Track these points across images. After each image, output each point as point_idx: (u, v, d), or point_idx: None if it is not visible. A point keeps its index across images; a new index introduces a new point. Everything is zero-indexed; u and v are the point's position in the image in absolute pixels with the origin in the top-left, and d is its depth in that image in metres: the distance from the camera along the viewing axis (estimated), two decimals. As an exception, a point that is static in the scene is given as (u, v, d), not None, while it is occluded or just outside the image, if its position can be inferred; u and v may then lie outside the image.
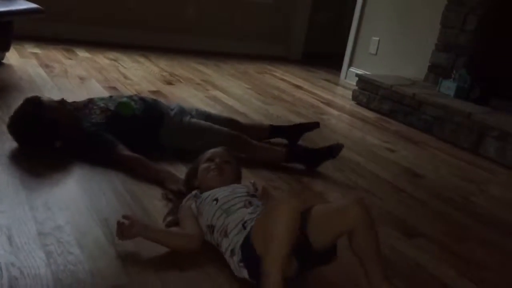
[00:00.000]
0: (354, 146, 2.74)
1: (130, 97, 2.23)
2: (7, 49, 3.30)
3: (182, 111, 2.26)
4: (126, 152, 1.96)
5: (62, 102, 2.07)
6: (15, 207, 1.57)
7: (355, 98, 3.83)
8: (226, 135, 2.18)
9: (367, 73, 4.11)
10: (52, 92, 2.80)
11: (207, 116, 2.36)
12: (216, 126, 2.23)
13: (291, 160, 2.24)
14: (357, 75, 3.90)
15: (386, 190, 2.20)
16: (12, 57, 3.43)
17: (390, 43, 4.21)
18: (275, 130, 2.54)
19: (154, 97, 2.70)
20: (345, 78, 4.63)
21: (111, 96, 2.26)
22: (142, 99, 2.23)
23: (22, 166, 1.87)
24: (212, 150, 1.71)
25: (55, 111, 1.99)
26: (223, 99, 3.31)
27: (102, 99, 2.20)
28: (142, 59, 4.17)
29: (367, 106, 3.69)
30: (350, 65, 4.61)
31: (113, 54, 4.14)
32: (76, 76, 3.27)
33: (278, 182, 2.09)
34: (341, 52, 4.70)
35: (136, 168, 1.92)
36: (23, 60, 3.45)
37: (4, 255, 1.32)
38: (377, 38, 4.32)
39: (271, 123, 2.65)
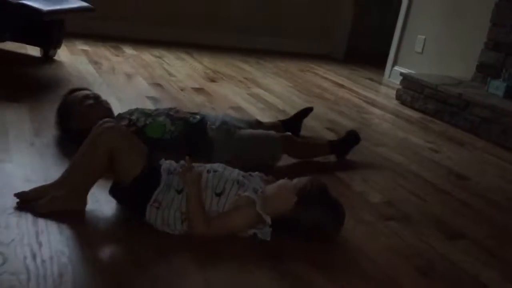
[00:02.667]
0: (397, 146, 2.70)
1: (170, 115, 2.03)
2: (58, 46, 3.44)
3: (229, 128, 2.08)
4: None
5: (97, 101, 2.03)
6: (65, 198, 1.65)
7: (399, 97, 3.77)
8: (278, 140, 2.11)
9: (412, 72, 4.03)
10: (100, 88, 2.90)
11: (252, 125, 2.27)
12: (262, 131, 2.18)
13: (334, 152, 2.29)
14: (401, 74, 3.83)
15: (429, 192, 2.16)
16: (63, 54, 3.57)
17: (437, 42, 4.11)
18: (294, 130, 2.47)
19: (198, 94, 2.75)
20: (389, 77, 4.56)
21: (156, 109, 2.14)
22: (185, 121, 2.02)
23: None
24: None
25: (83, 120, 1.93)
26: (265, 97, 3.33)
27: (143, 112, 2.05)
28: (186, 56, 4.25)
29: (411, 106, 3.62)
30: (394, 64, 4.54)
31: (158, 51, 4.24)
32: (123, 73, 3.37)
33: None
34: (385, 50, 4.63)
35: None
36: (73, 57, 3.58)
37: (55, 244, 1.39)
38: (423, 36, 4.23)
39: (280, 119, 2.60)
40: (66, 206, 1.53)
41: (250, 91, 3.43)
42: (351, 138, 2.33)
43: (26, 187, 1.66)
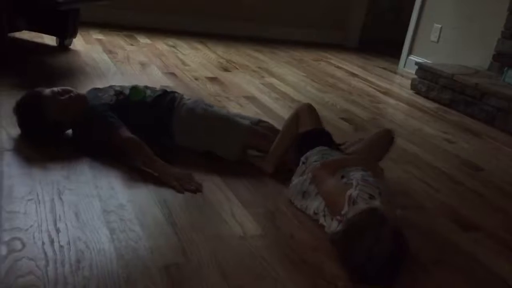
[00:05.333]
0: (411, 137, 2.69)
1: (149, 87, 2.13)
2: (74, 35, 3.46)
3: (200, 102, 2.09)
4: (127, 134, 1.86)
5: (64, 92, 1.96)
6: (82, 185, 1.67)
7: (413, 87, 3.74)
8: (244, 128, 2.00)
9: (428, 61, 3.99)
10: (115, 77, 2.92)
11: (235, 115, 2.17)
12: (235, 118, 2.06)
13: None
14: (416, 63, 3.80)
15: (443, 182, 2.15)
16: (78, 43, 3.59)
17: (453, 31, 4.06)
18: None
19: (211, 84, 2.76)
20: (404, 66, 4.52)
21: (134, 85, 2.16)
22: (163, 91, 2.11)
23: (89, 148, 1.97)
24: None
25: (56, 110, 1.92)
26: (279, 87, 3.33)
27: (121, 86, 2.12)
28: (200, 46, 4.25)
29: (426, 96, 3.59)
30: (409, 53, 4.49)
31: (172, 41, 4.25)
32: (138, 62, 3.39)
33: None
34: (400, 39, 4.58)
35: (134, 151, 1.86)
36: (89, 46, 3.60)
37: (72, 230, 1.42)
38: (439, 25, 4.18)
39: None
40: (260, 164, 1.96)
41: (264, 81, 3.42)
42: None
43: (43, 175, 1.69)
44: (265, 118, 2.54)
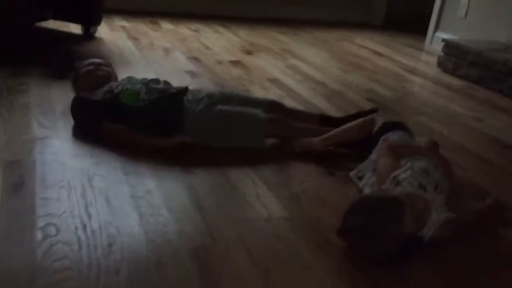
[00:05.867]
0: (437, 115, 2.65)
1: (149, 84, 2.02)
2: (99, 23, 3.50)
3: (211, 99, 2.00)
4: (108, 124, 1.89)
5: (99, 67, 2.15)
6: (111, 172, 1.72)
7: (440, 64, 3.66)
8: (262, 121, 1.94)
9: (455, 37, 3.90)
10: (139, 64, 2.96)
11: (245, 101, 2.08)
12: (250, 111, 1.98)
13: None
14: (443, 40, 3.71)
15: (471, 161, 2.12)
16: (103, 30, 3.63)
17: (481, 5, 3.94)
18: (326, 121, 2.13)
19: (235, 67, 2.75)
20: (430, 43, 4.42)
21: (144, 79, 2.10)
22: (163, 91, 2.00)
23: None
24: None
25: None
26: (302, 68, 3.31)
27: (129, 79, 2.08)
28: (222, 29, 4.25)
29: (453, 73, 3.52)
30: (436, 29, 4.39)
31: (195, 25, 4.26)
32: (161, 48, 3.42)
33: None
34: (427, 16, 4.48)
35: (122, 138, 1.88)
36: (113, 33, 3.65)
37: (103, 215, 1.46)
38: (467, 0, 4.07)
39: (322, 112, 2.30)
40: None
41: (287, 63, 3.41)
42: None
43: (74, 163, 1.74)
44: (288, 100, 2.56)
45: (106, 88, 2.03)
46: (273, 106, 2.10)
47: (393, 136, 1.81)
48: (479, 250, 1.49)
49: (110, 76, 2.17)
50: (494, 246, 1.53)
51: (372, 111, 2.13)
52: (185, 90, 2.05)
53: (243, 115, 1.96)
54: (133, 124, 1.91)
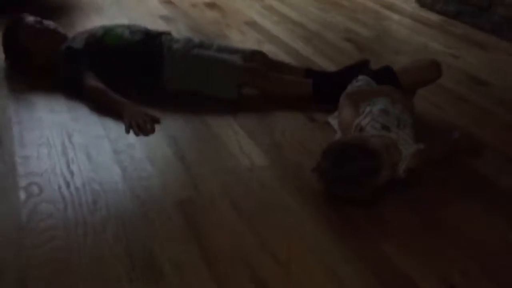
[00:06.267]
0: (416, 54, 2.64)
1: (130, 26, 2.03)
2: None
3: (189, 43, 1.98)
4: (90, 81, 1.83)
5: (40, 22, 2.00)
6: (90, 127, 1.70)
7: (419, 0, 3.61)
8: (239, 69, 1.88)
9: (433, -29, 3.81)
10: (111, 9, 2.85)
11: (227, 50, 2.03)
12: (228, 58, 1.93)
13: (320, 100, 1.86)
14: (421, -26, 3.63)
15: (447, 100, 2.14)
16: (69, -26, 3.46)
17: None
18: (313, 77, 1.97)
19: (210, 10, 2.66)
20: (409, -23, 4.33)
21: (116, 24, 2.06)
22: (146, 32, 2.00)
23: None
24: None
25: (31, 34, 1.96)
26: (279, 8, 3.23)
27: (102, 26, 2.03)
28: (195, -31, 4.08)
29: (431, 8, 3.47)
30: (414, -38, 4.28)
31: (166, -35, 4.07)
32: (133, -9, 3.28)
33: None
34: None
35: (99, 99, 1.81)
36: (80, -23, 3.47)
37: (86, 172, 1.46)
38: None
39: (308, 67, 2.12)
40: None
41: (263, 3, 3.32)
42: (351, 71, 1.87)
43: (51, 119, 1.71)
44: (266, 45, 2.51)
45: (86, 34, 1.97)
46: (254, 56, 2.03)
47: (352, 85, 1.79)
48: (448, 183, 1.54)
49: (59, 32, 2.06)
50: (462, 178, 1.58)
51: (363, 62, 1.99)
52: (168, 32, 2.05)
53: (220, 60, 1.91)
54: (115, 68, 1.87)
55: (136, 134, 1.66)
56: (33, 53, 1.97)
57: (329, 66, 2.28)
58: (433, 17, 3.38)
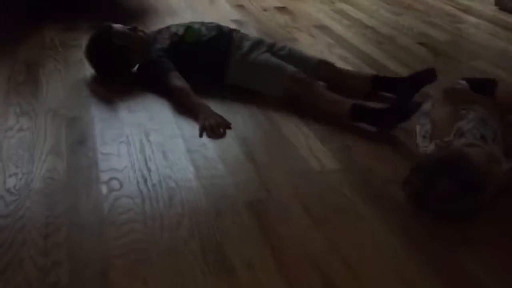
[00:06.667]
0: (495, 59, 2.53)
1: (204, 23, 2.13)
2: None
3: (259, 44, 2.06)
4: (175, 81, 1.90)
5: (133, 28, 2.09)
6: (165, 126, 1.77)
7: (498, 2, 3.45)
8: (287, 76, 1.90)
9: (514, -28, 3.63)
10: (185, 14, 2.95)
11: (296, 55, 2.08)
12: (281, 64, 1.97)
13: (356, 119, 1.78)
14: (502, -25, 3.47)
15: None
16: (147, -20, 3.61)
17: None
18: (380, 82, 2.00)
19: (281, 14, 2.68)
20: (487, -21, 4.15)
21: (190, 22, 2.17)
22: (219, 28, 2.11)
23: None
24: None
25: (124, 37, 2.03)
26: (350, 12, 3.20)
27: (178, 25, 2.15)
28: (266, -27, 4.13)
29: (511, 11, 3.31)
30: (493, -37, 4.10)
31: (238, -30, 4.15)
32: (206, -4, 3.38)
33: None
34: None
35: (180, 98, 1.88)
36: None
37: (162, 169, 1.52)
38: None
39: (376, 73, 2.10)
40: None
41: (334, 7, 3.30)
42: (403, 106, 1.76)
43: (130, 118, 1.80)
44: (337, 48, 2.50)
45: (167, 35, 2.07)
46: (320, 66, 2.06)
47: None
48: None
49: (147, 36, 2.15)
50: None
51: (428, 71, 1.94)
52: (238, 30, 2.16)
53: (273, 65, 1.96)
54: (190, 64, 1.97)
55: (209, 136, 1.71)
56: (132, 52, 2.05)
57: (402, 72, 2.23)
58: (514, 20, 3.22)
